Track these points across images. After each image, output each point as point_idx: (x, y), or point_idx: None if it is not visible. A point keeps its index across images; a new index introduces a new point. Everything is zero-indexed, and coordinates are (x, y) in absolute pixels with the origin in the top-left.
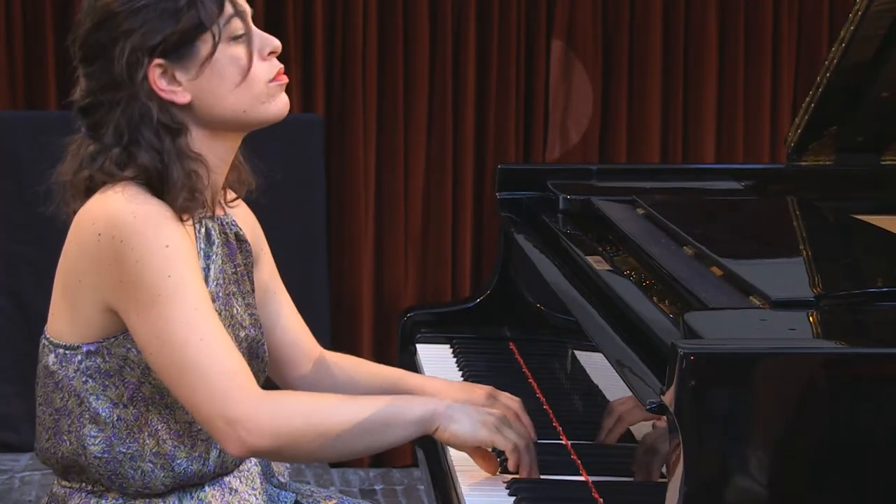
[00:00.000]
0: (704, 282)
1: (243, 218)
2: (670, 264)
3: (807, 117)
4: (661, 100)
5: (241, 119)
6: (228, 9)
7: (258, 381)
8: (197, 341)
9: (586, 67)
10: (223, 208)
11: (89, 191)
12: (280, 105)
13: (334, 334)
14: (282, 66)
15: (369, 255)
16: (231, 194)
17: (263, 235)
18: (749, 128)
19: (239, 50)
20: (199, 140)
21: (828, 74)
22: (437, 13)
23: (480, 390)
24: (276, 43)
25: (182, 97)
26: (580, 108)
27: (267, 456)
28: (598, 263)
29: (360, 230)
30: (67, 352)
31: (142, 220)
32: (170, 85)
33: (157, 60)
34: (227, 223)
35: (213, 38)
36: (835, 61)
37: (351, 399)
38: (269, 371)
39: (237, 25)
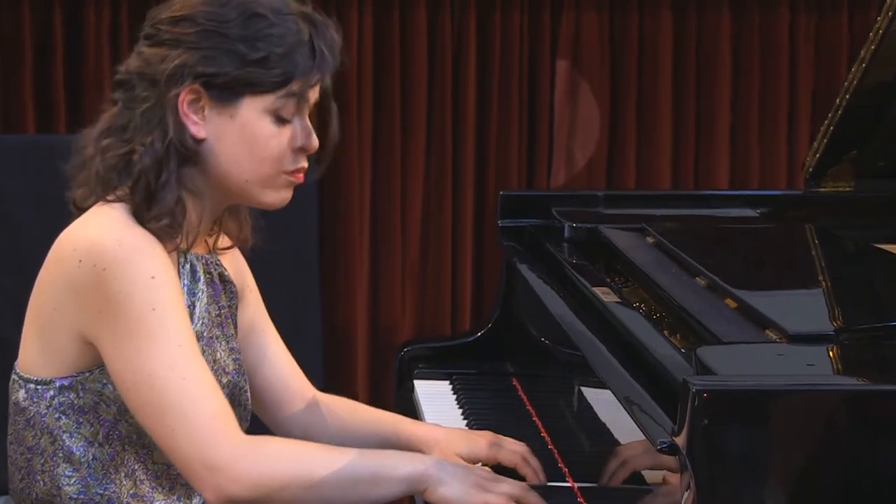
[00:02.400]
0: (718, 315)
1: (229, 256)
2: (682, 296)
3: (825, 141)
4: (671, 122)
5: (240, 187)
6: (293, 87)
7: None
8: (178, 380)
9: (593, 88)
10: (209, 248)
11: (90, 189)
12: (280, 198)
13: (327, 369)
14: (306, 165)
15: (364, 285)
16: (224, 241)
17: (249, 270)
18: (765, 152)
19: (274, 129)
20: (197, 179)
21: (847, 96)
22: (436, 30)
23: (483, 439)
24: (314, 144)
25: (199, 130)
26: (586, 131)
27: None
28: (605, 295)
29: (354, 259)
30: (39, 387)
31: (127, 248)
32: (195, 113)
33: (198, 87)
34: (211, 262)
35: (259, 102)
36: (854, 82)
37: (338, 451)
38: (259, 412)
39: (289, 106)
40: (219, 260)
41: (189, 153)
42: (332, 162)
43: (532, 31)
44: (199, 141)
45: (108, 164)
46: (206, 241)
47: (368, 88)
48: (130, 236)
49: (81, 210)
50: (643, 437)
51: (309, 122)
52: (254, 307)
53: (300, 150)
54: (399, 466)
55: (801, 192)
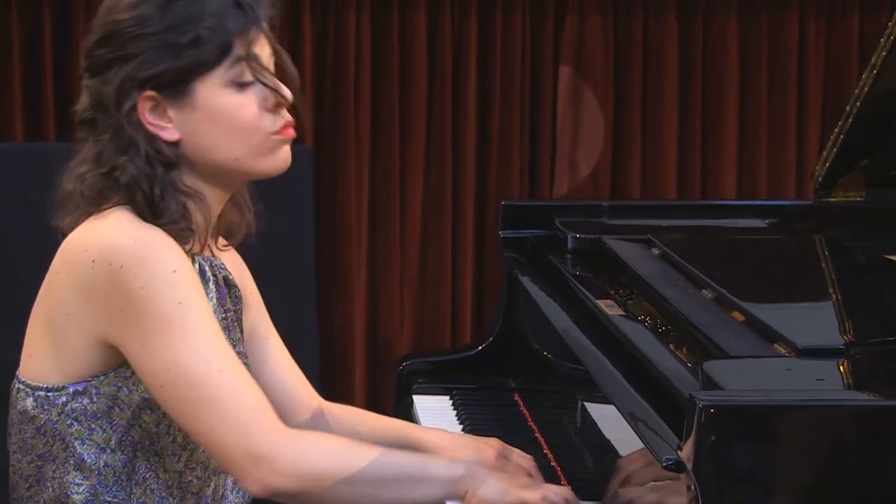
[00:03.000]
0: (725, 328)
1: (231, 260)
2: (688, 309)
3: (835, 149)
4: (677, 130)
5: (235, 167)
6: (237, 51)
7: None
8: (216, 373)
9: (597, 95)
10: (211, 250)
11: (80, 211)
12: (279, 161)
13: (323, 383)
14: (290, 119)
15: (362, 298)
16: (221, 240)
17: (250, 276)
18: (773, 161)
19: (239, 98)
20: (190, 178)
21: (858, 103)
22: (436, 36)
23: (490, 448)
24: (285, 93)
25: (170, 134)
26: (590, 138)
27: (288, 497)
28: (609, 308)
29: (352, 270)
30: (50, 393)
31: (143, 243)
32: (159, 119)
33: (149, 93)
34: (216, 265)
35: (212, 80)
36: (865, 89)
37: (380, 449)
38: None
39: (242, 71)
40: (222, 263)
41: (171, 159)
42: (329, 172)
43: (534, 34)
44: (176, 143)
45: (90, 186)
46: (208, 245)
47: (366, 92)
48: (145, 232)
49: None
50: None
51: (273, 77)
52: (255, 313)
53: (276, 107)
54: (441, 468)
55: (810, 201)
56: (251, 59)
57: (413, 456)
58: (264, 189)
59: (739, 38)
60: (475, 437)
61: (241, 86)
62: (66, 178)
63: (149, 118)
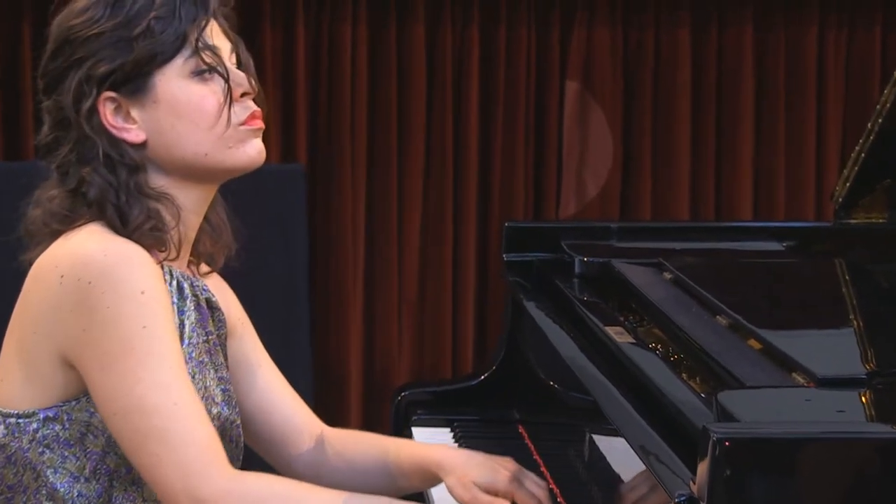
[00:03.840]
0: (740, 357)
1: (215, 284)
2: (701, 336)
3: (856, 168)
4: (690, 148)
5: (203, 164)
6: (192, 41)
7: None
8: (171, 406)
9: (605, 111)
10: (192, 271)
11: (50, 234)
12: (251, 152)
13: (317, 415)
14: (257, 109)
15: (358, 324)
16: (204, 266)
17: (238, 302)
18: (791, 180)
19: (201, 88)
20: (158, 180)
21: (880, 120)
22: (436, 49)
23: (505, 472)
24: (246, 83)
25: (135, 136)
26: (598, 157)
27: None
28: (619, 335)
29: (347, 295)
30: (20, 420)
31: (114, 259)
32: (124, 122)
33: (109, 94)
34: (197, 286)
35: (171, 72)
36: (887, 105)
37: (330, 493)
38: (264, 452)
39: (199, 60)
40: (205, 285)
41: (135, 162)
42: (323, 192)
43: (540, 48)
44: (142, 146)
45: (59, 205)
46: (190, 266)
47: (362, 108)
48: (117, 246)
49: None
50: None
51: (234, 67)
52: (245, 339)
53: (242, 98)
54: None
55: (830, 223)
56: (206, 48)
57: (373, 501)
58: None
59: (755, 51)
60: (490, 456)
61: (202, 76)
62: (33, 206)
63: (111, 121)
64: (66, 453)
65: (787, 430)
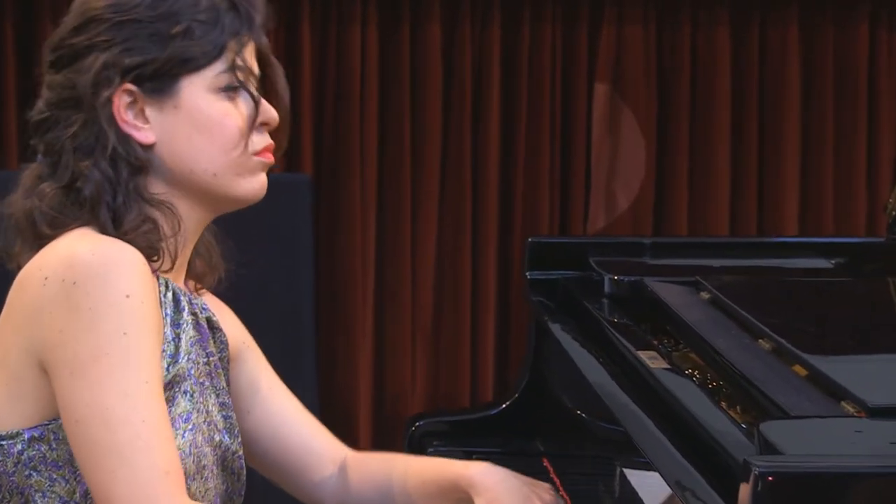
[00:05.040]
0: (785, 384)
1: (213, 305)
2: (742, 362)
3: None
4: (730, 156)
5: (209, 185)
6: (230, 56)
7: None
8: (137, 422)
9: (637, 116)
10: (190, 288)
11: (37, 236)
12: (256, 186)
13: None
14: (272, 142)
15: (368, 347)
16: (197, 285)
17: (241, 325)
18: (840, 192)
19: (227, 106)
20: (159, 187)
21: None
22: (454, 50)
23: (539, 502)
24: (272, 114)
25: (145, 136)
26: (630, 166)
27: None
28: (652, 360)
29: (356, 316)
30: (5, 441)
31: (101, 258)
32: (135, 118)
33: (129, 86)
34: (196, 304)
35: (200, 81)
36: None
37: None
38: (283, 482)
39: (232, 78)
40: (205, 304)
41: (140, 162)
42: (330, 204)
43: (566, 48)
44: (149, 147)
45: (51, 204)
46: (186, 284)
47: (373, 114)
48: (106, 246)
49: None
50: None
51: (253, 97)
52: (254, 362)
53: (260, 126)
54: None
55: (882, 239)
56: (243, 68)
57: None
58: (254, 224)
59: (801, 51)
60: (529, 480)
61: (230, 94)
62: (13, 204)
63: (123, 115)
64: (55, 476)
65: (835, 464)
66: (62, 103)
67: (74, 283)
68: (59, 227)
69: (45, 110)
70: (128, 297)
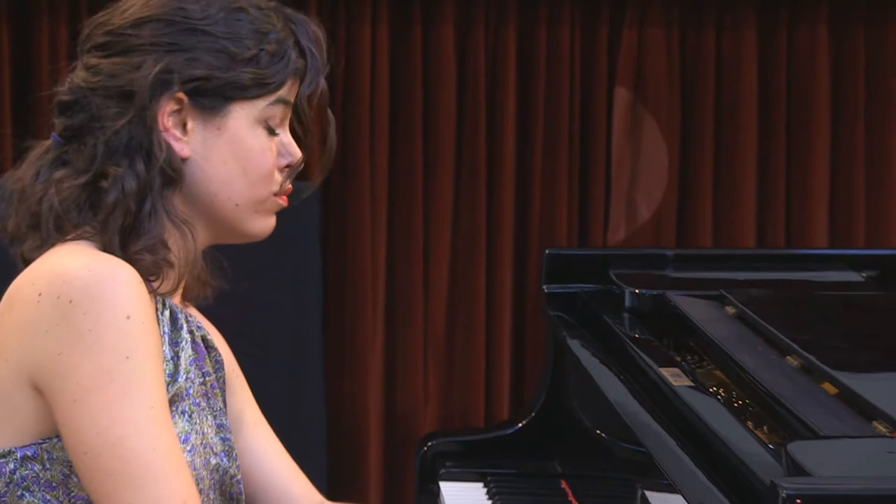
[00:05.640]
0: (814, 402)
1: (206, 326)
2: (769, 379)
3: None
4: (756, 164)
5: (227, 213)
6: (283, 92)
7: None
8: (149, 451)
9: (659, 122)
10: (184, 305)
11: (38, 231)
12: (268, 226)
13: (331, 469)
14: (290, 186)
15: (377, 363)
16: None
17: (231, 354)
18: (872, 202)
19: (267, 141)
20: (181, 204)
21: None
22: (467, 52)
23: None
24: (299, 157)
25: (182, 149)
26: (652, 175)
27: None
28: (675, 378)
29: (365, 330)
30: None
31: (97, 276)
32: (176, 128)
33: (181, 94)
34: (191, 321)
35: (250, 110)
36: None
37: None
38: None
39: (280, 116)
40: (199, 321)
41: (176, 175)
42: (338, 213)
43: (585, 51)
44: (184, 160)
45: (64, 199)
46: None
47: (383, 121)
48: (102, 263)
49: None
50: None
51: (303, 144)
52: (241, 396)
53: (287, 168)
54: None
55: None
56: (298, 108)
57: None
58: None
59: (831, 54)
60: None
61: (271, 131)
62: (22, 183)
63: (167, 122)
64: (48, 496)
65: (866, 486)
66: (104, 90)
67: (70, 301)
68: (62, 230)
69: (79, 92)
70: (128, 318)
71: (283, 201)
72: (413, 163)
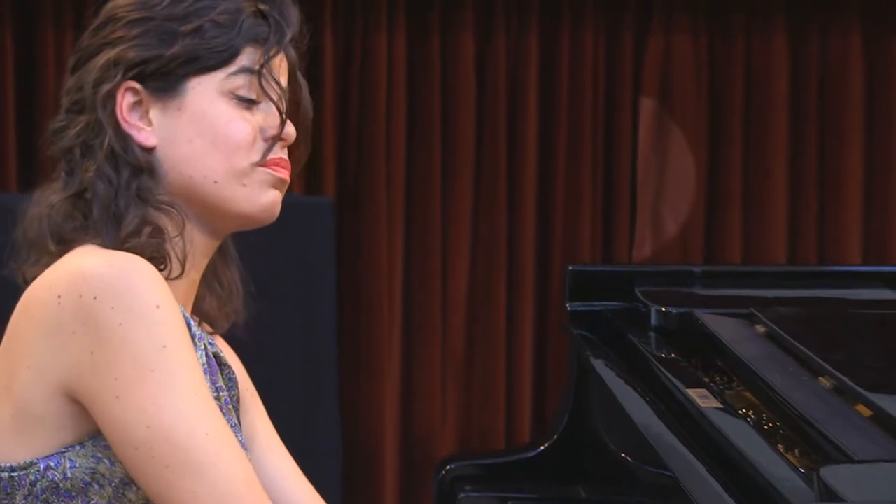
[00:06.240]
0: (847, 425)
1: (221, 346)
2: (801, 401)
3: None
4: (787, 177)
5: (210, 194)
6: (243, 60)
7: None
8: (203, 436)
9: (686, 133)
10: (197, 321)
11: (43, 251)
12: (264, 201)
13: (345, 491)
14: (285, 157)
15: (394, 383)
16: (205, 326)
17: (246, 374)
18: None
19: (233, 112)
20: (161, 191)
21: None
22: (487, 62)
23: None
24: (289, 130)
25: (146, 137)
26: (678, 188)
27: None
28: (703, 399)
29: (381, 349)
30: (15, 474)
31: (119, 270)
32: (138, 120)
33: (132, 84)
34: (203, 337)
35: (208, 83)
36: None
37: None
38: None
39: (247, 86)
40: (211, 339)
41: (140, 164)
42: (354, 229)
43: (609, 59)
44: (150, 150)
45: (57, 213)
46: (193, 317)
47: (400, 132)
48: (120, 258)
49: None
50: None
51: (278, 109)
52: (255, 415)
53: (272, 140)
54: None
55: None
56: (261, 74)
57: None
58: (272, 249)
59: (864, 61)
60: None
61: (242, 102)
62: (33, 207)
63: (126, 115)
64: None
65: None
66: (73, 106)
67: (95, 297)
68: (63, 242)
69: (62, 118)
70: (158, 307)
71: (275, 171)
72: (431, 174)
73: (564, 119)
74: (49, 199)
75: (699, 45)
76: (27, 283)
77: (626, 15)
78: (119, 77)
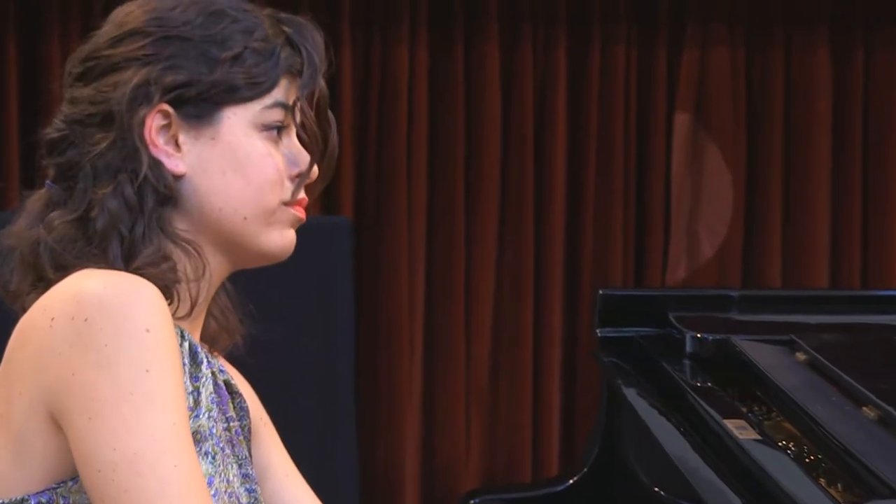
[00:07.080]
0: (893, 458)
1: (231, 372)
2: (844, 432)
3: None
4: (829, 197)
5: (237, 229)
6: (278, 93)
7: None
8: (170, 468)
9: (723, 150)
10: (207, 348)
11: (40, 277)
12: (285, 241)
13: None
14: (306, 198)
15: (415, 411)
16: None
17: (259, 402)
18: None
19: (267, 146)
20: (182, 222)
21: None
22: (513, 74)
23: None
24: (314, 170)
25: (175, 165)
26: (715, 207)
27: None
28: (741, 430)
29: (401, 375)
30: None
31: (113, 291)
32: (165, 144)
33: (165, 107)
34: (213, 363)
35: (244, 114)
36: None
37: None
38: None
39: (281, 119)
40: (221, 365)
41: (168, 192)
42: (373, 250)
43: (642, 72)
44: (178, 178)
45: (58, 236)
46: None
47: (422, 150)
48: (118, 278)
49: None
50: None
51: (310, 149)
52: (269, 444)
53: (297, 178)
54: None
55: None
56: (292, 112)
57: None
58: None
59: None
60: None
61: (273, 135)
62: (17, 235)
63: (155, 139)
64: None
65: None
66: (87, 119)
67: (86, 319)
68: (62, 268)
69: (65, 128)
70: (148, 331)
71: (298, 212)
72: (454, 194)
73: (594, 136)
74: (48, 219)
75: (737, 59)
76: (25, 310)
77: (659, 27)
78: (156, 99)
